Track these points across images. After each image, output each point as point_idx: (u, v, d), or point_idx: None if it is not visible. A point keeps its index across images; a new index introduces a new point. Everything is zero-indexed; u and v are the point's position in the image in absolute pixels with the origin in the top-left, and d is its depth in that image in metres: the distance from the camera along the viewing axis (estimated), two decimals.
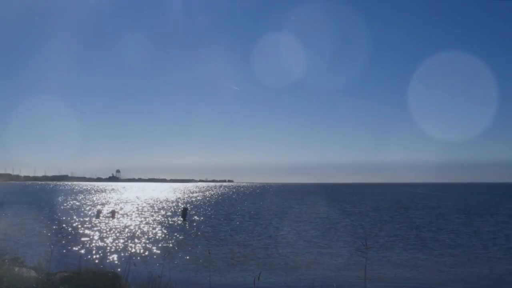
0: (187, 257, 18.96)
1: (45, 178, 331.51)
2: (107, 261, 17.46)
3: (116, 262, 17.55)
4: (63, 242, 21.73)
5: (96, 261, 16.54)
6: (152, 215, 40.46)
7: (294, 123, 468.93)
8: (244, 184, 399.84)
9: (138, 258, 18.10)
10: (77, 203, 60.20)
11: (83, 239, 24.04)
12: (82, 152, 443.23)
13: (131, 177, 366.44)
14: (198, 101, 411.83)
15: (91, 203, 61.48)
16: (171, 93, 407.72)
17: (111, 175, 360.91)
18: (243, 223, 33.53)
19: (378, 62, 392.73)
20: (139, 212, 44.01)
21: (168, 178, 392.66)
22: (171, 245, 22.25)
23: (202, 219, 36.90)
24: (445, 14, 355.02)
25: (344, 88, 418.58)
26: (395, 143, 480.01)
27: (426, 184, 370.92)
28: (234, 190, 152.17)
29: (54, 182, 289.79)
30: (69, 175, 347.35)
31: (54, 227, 29.30)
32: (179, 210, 44.22)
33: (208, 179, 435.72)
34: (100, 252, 20.02)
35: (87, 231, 27.47)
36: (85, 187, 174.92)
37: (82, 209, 47.80)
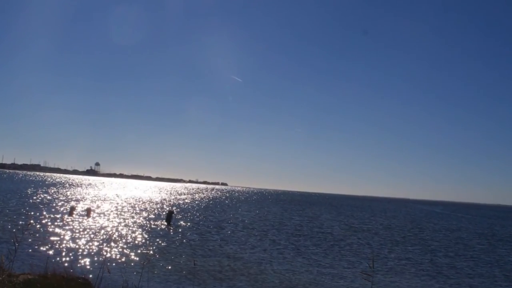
0: (169, 267, 18.97)
1: (14, 166, 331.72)
2: (78, 265, 17.48)
3: (88, 267, 17.59)
4: (30, 240, 21.72)
5: (66, 264, 16.50)
6: (133, 217, 40.49)
7: (298, 123, 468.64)
8: (239, 188, 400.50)
9: (114, 264, 18.10)
10: (48, 197, 60.27)
11: (52, 238, 24.06)
12: (57, 139, 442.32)
13: (112, 171, 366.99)
14: (194, 90, 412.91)
15: (64, 198, 61.54)
16: (162, 78, 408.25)
17: (89, 168, 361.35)
18: (235, 233, 33.56)
19: (386, 67, 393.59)
20: (118, 212, 44.05)
21: (153, 176, 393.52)
22: (151, 252, 22.25)
23: (189, 225, 36.94)
24: None
25: (351, 89, 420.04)
26: (410, 152, 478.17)
27: (446, 202, 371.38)
28: (227, 195, 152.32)
29: (24, 172, 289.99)
30: (42, 164, 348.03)
31: (20, 222, 29.29)
32: (164, 213, 44.24)
33: (199, 180, 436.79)
34: (70, 254, 20.04)
35: (57, 230, 27.48)
36: (58, 180, 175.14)
37: (54, 205, 47.84)
